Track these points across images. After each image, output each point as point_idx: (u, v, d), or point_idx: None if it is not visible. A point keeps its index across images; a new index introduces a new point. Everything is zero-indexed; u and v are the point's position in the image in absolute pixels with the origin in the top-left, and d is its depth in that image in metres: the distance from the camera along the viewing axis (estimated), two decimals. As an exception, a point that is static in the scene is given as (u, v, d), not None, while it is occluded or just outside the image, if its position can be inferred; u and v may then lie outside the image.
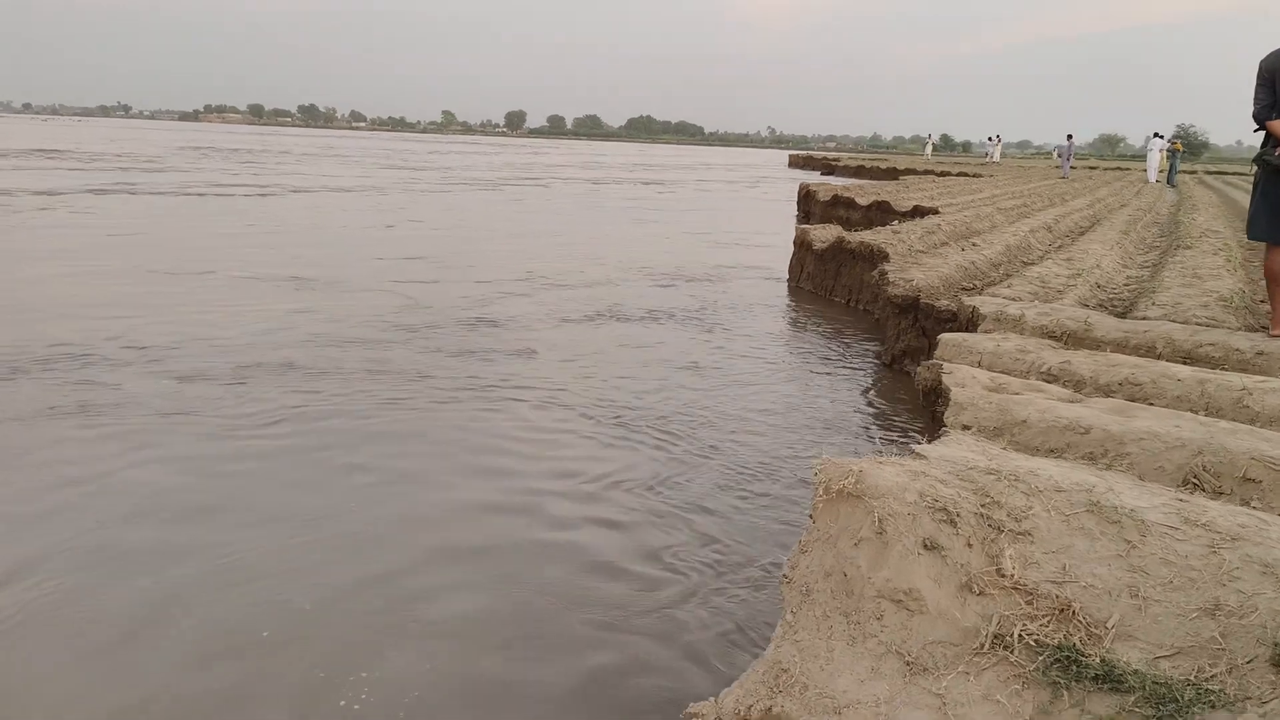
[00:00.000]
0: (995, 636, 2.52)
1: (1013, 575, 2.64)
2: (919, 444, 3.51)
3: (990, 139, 56.36)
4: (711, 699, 2.57)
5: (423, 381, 6.98)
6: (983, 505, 2.85)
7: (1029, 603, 2.58)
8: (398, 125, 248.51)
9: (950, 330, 7.48)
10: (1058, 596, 2.56)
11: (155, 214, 18.43)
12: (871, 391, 7.49)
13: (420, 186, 29.89)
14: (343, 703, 3.22)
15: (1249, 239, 5.52)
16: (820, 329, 9.88)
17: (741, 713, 2.49)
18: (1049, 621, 2.52)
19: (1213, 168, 57.57)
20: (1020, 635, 2.50)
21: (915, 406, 7.06)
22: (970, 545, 2.74)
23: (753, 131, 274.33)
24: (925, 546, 2.72)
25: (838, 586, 2.77)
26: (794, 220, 24.06)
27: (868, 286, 10.92)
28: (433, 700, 3.27)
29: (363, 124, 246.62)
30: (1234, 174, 52.58)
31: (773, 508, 4.98)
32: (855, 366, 8.31)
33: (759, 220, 23.97)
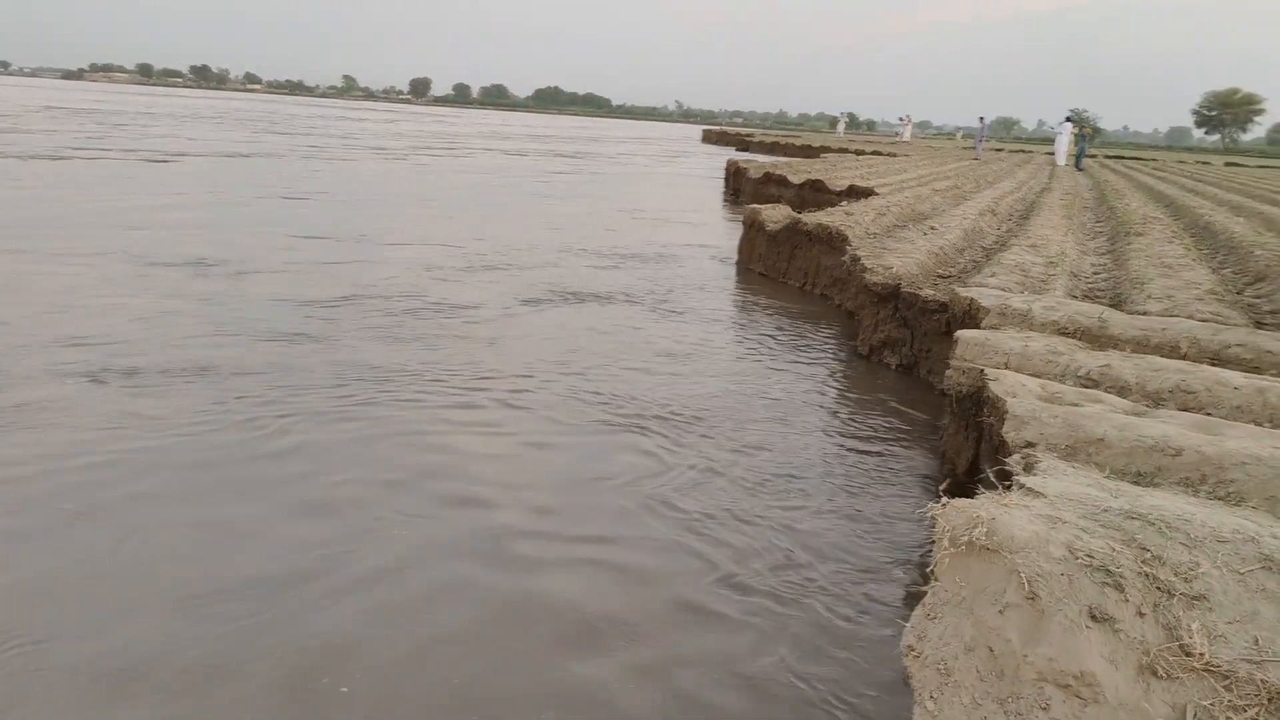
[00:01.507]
0: (1197, 734, 2.07)
1: (1202, 654, 2.18)
2: (1022, 475, 3.04)
3: (900, 119, 57.02)
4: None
5: (367, 380, 6.25)
6: (1142, 562, 2.39)
7: (1228, 689, 2.14)
8: (295, 89, 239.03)
9: (936, 322, 7.14)
10: (1263, 681, 2.12)
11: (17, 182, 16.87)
12: (854, 385, 7.07)
13: (325, 155, 28.43)
14: None
15: None
16: (781, 316, 9.43)
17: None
18: (1258, 714, 2.08)
19: (1110, 152, 59.36)
20: (1229, 733, 2.05)
21: (906, 401, 6.69)
22: (1142, 614, 2.28)
23: (660, 105, 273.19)
24: (1092, 617, 2.25)
25: (985, 666, 2.28)
26: (721, 197, 23.67)
27: (825, 270, 10.54)
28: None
29: (258, 86, 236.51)
30: (1130, 158, 54.37)
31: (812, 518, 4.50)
32: (828, 357, 7.89)
33: (687, 197, 23.46)
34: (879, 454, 5.65)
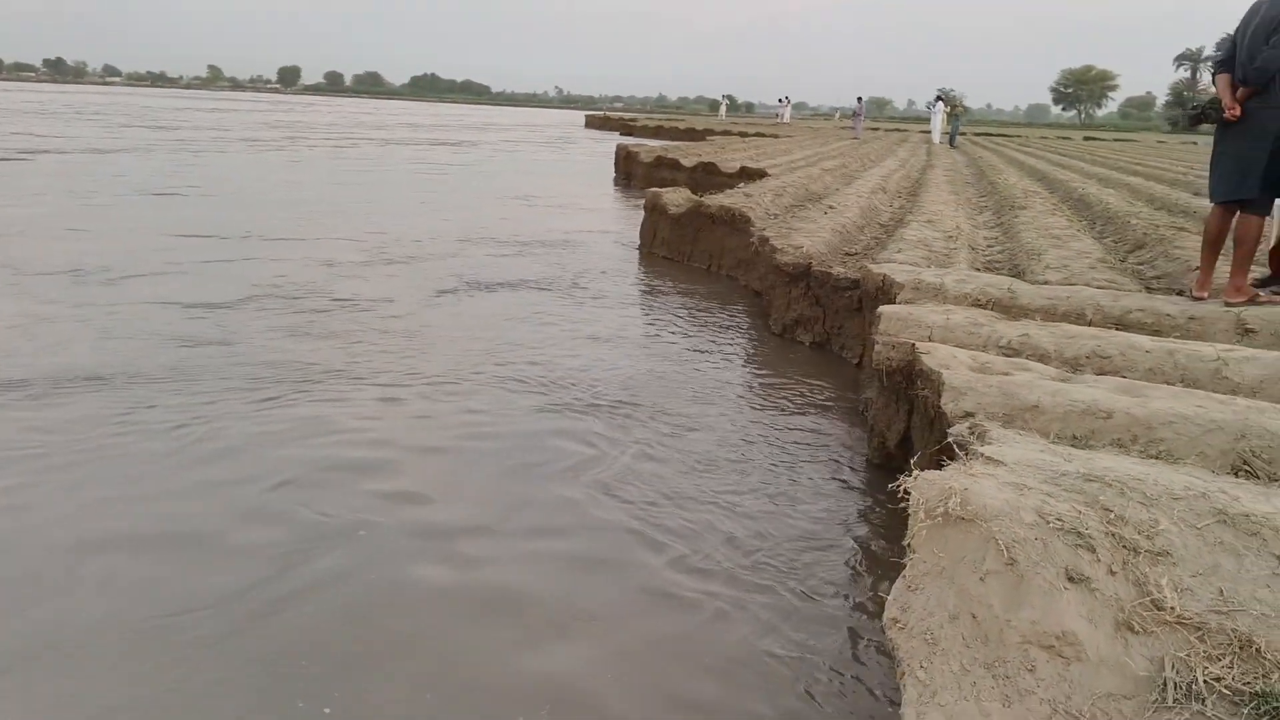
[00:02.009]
0: (1176, 685, 2.15)
1: (1173, 608, 2.28)
2: (977, 444, 3.12)
3: (780, 100, 57.84)
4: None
5: (285, 381, 6.01)
6: (1107, 522, 2.48)
7: (1201, 640, 2.23)
8: (158, 80, 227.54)
9: (848, 299, 7.28)
10: (1233, 630, 2.23)
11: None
12: (772, 363, 7.16)
13: (195, 149, 27.20)
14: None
15: (1213, 201, 5.43)
16: (691, 298, 9.48)
17: (908, 811, 2.00)
18: (1232, 662, 2.18)
19: (977, 130, 61.72)
20: (1206, 682, 2.15)
21: (823, 377, 6.80)
22: (1113, 573, 2.37)
23: (540, 91, 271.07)
24: (1069, 579, 2.33)
25: (970, 633, 2.33)
26: (613, 183, 23.65)
27: (730, 252, 10.64)
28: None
29: (118, 79, 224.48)
30: (997, 135, 56.67)
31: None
32: (743, 336, 7.97)
33: (578, 183, 23.34)
34: (805, 429, 5.73)
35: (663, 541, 4.12)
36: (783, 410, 6.08)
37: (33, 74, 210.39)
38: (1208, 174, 5.54)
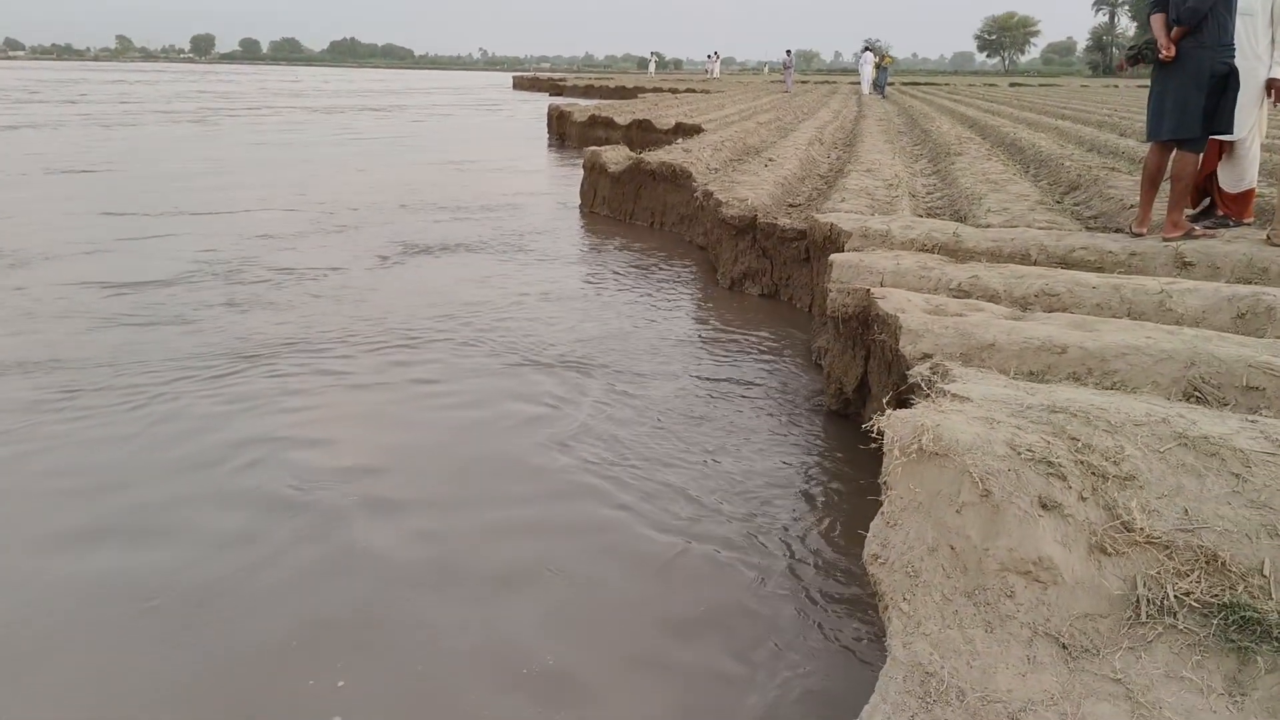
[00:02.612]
0: (1149, 601, 2.24)
1: (1142, 529, 2.36)
2: (942, 384, 3.17)
3: (710, 56, 57.71)
4: (855, 724, 2.11)
5: (237, 356, 5.87)
6: (1075, 450, 2.55)
7: (1169, 557, 2.31)
8: (64, 53, 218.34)
9: (795, 250, 7.33)
10: (1199, 547, 2.31)
11: None
12: (724, 316, 7.18)
13: (106, 122, 26.21)
14: None
15: (1150, 139, 5.52)
16: (636, 255, 9.45)
17: (900, 737, 2.05)
18: (1199, 577, 2.26)
19: (905, 79, 62.21)
20: (1177, 597, 2.23)
21: (775, 326, 6.85)
22: (1084, 499, 2.43)
23: (465, 54, 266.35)
24: (1043, 506, 2.39)
25: (950, 564, 2.38)
26: (546, 144, 23.39)
27: (672, 208, 10.62)
28: None
29: (21, 52, 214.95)
30: (925, 84, 57.21)
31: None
32: (693, 291, 7.98)
33: (511, 146, 23.05)
34: (760, 379, 5.77)
35: (622, 497, 4.13)
36: (737, 361, 6.12)
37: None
38: (1145, 114, 5.64)
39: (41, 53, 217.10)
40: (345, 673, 2.91)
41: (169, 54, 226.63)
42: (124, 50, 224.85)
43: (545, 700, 2.83)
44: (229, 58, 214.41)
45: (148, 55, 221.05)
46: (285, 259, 8.57)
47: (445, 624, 3.18)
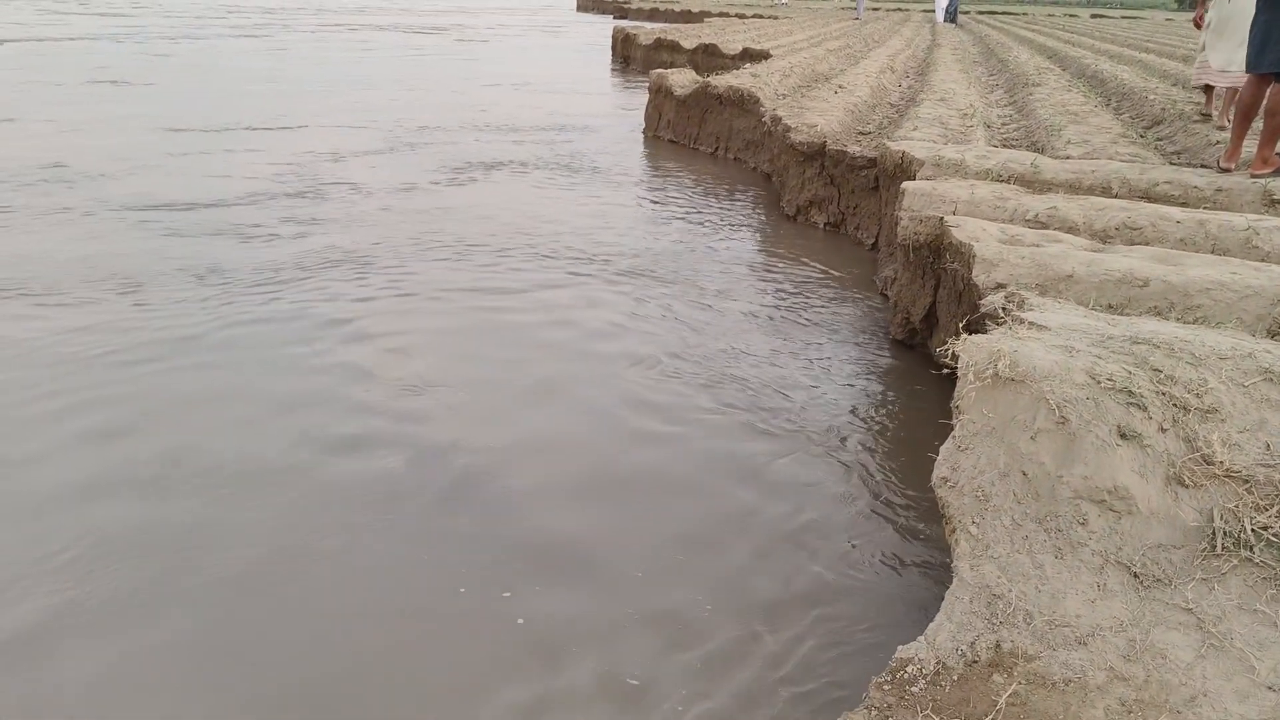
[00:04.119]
0: (1225, 534, 2.20)
1: (1221, 462, 2.31)
2: (1018, 312, 3.11)
3: (779, -21, 55.96)
4: (921, 639, 2.12)
5: (346, 262, 5.97)
6: (1157, 382, 2.50)
7: (1249, 491, 2.28)
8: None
9: (864, 178, 7.19)
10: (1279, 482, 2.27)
11: None
12: (787, 244, 7.10)
13: (139, 37, 26.33)
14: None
15: (1250, 71, 5.27)
16: (701, 180, 9.35)
17: (965, 653, 2.07)
18: (1279, 512, 2.22)
19: (981, 8, 59.92)
20: (1254, 530, 2.19)
21: (839, 256, 6.77)
22: (1164, 430, 2.39)
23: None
24: (1121, 435, 2.36)
25: (1021, 489, 2.37)
26: (610, 67, 23.05)
27: (738, 134, 10.45)
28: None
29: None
30: (1002, 13, 55.06)
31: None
32: (757, 218, 7.89)
33: (575, 68, 22.72)
34: (825, 308, 5.72)
35: (688, 412, 4.16)
36: (800, 287, 6.06)
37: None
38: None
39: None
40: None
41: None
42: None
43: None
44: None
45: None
46: (356, 175, 8.64)
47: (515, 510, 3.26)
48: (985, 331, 3.43)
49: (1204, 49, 6.96)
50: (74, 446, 3.69)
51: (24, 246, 6.12)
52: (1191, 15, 7.14)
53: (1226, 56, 6.60)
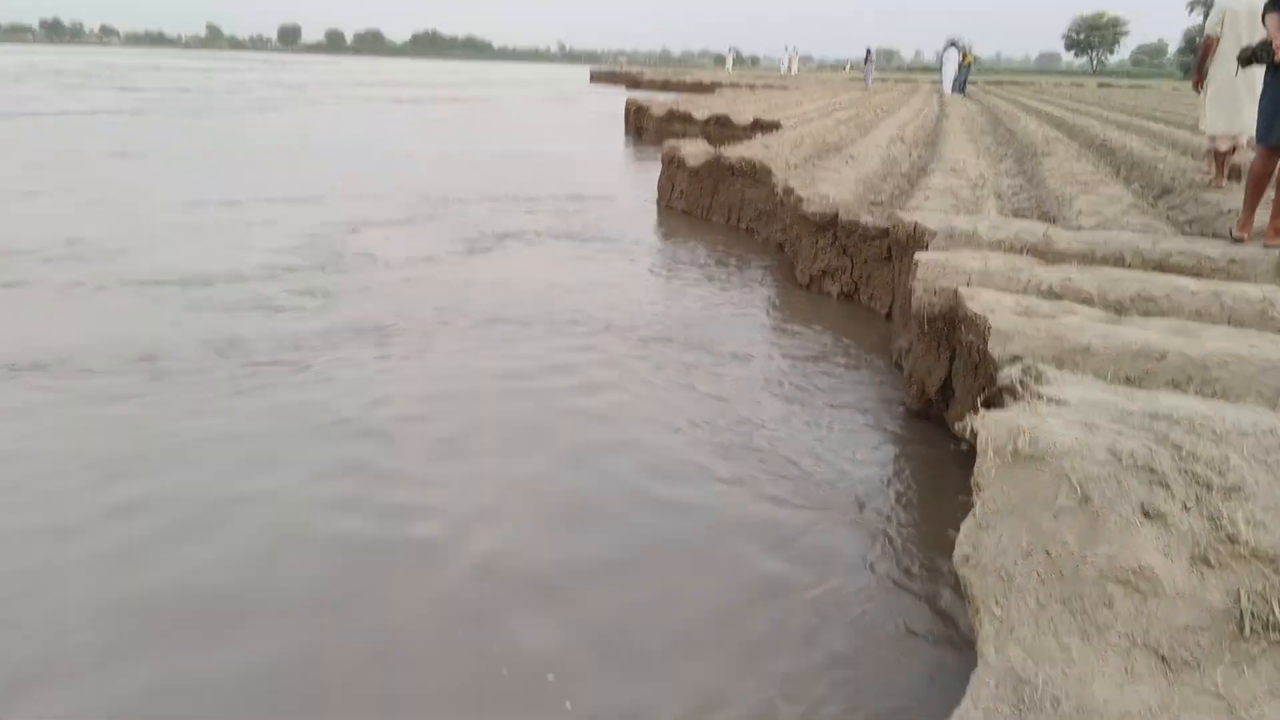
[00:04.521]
0: (1253, 616, 2.17)
1: (1247, 541, 2.29)
2: (1035, 386, 3.11)
3: (787, 49, 57.10)
4: (944, 727, 2.09)
5: (405, 331, 6.03)
6: (1178, 459, 2.48)
7: (1276, 572, 2.24)
8: (156, 40, 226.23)
9: (876, 248, 7.25)
10: (1308, 562, 2.24)
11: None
12: (802, 313, 7.13)
13: (160, 111, 27.00)
14: None
15: (1261, 144, 5.38)
16: (715, 250, 9.44)
17: (992, 741, 2.02)
18: (1309, 593, 2.19)
19: (988, 79, 60.92)
20: (1284, 612, 2.16)
21: (854, 326, 6.79)
22: (1187, 508, 2.37)
23: (543, 47, 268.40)
24: (1145, 514, 2.34)
25: (1045, 569, 2.34)
26: (623, 137, 23.46)
27: (750, 204, 10.57)
28: None
29: (115, 39, 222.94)
30: (1009, 84, 55.93)
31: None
32: (771, 288, 7.95)
33: (590, 138, 23.15)
34: (840, 377, 5.73)
35: (704, 486, 4.14)
36: (816, 357, 6.08)
37: (30, 35, 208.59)
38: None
39: (135, 39, 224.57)
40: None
41: (256, 43, 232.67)
42: (213, 39, 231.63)
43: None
44: (314, 48, 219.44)
45: (235, 44, 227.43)
46: (375, 247, 8.74)
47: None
48: (1003, 405, 3.43)
49: (1204, 112, 7.30)
50: (102, 518, 3.70)
51: (40, 322, 6.18)
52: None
53: (1226, 122, 6.91)
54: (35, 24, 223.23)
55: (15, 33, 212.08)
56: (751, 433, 4.75)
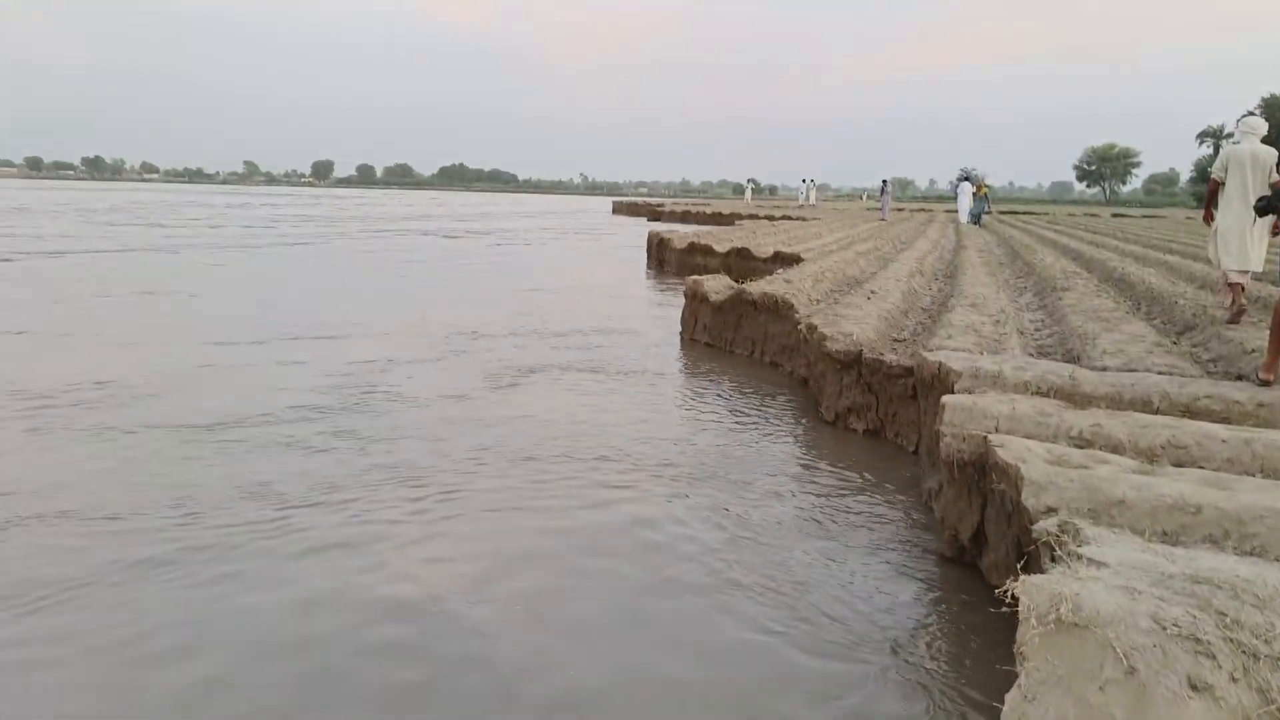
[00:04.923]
0: (1312, 797, 2.11)
1: (1300, 715, 2.24)
2: (1072, 544, 3.10)
3: (804, 181, 58.59)
4: None
5: (427, 476, 6.09)
6: (1223, 626, 2.45)
7: (1332, 748, 2.19)
8: (195, 176, 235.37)
9: (901, 386, 7.29)
10: (1366, 740, 2.18)
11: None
12: (828, 451, 7.14)
13: (191, 248, 27.87)
14: None
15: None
16: (738, 385, 9.53)
17: None
18: (1368, 772, 2.13)
19: (1003, 208, 62.10)
20: (1344, 794, 2.10)
21: (881, 465, 6.78)
22: (1235, 680, 2.33)
23: (566, 178, 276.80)
24: (1192, 687, 2.30)
25: (1094, 745, 2.29)
26: (645, 269, 23.95)
27: (773, 338, 10.71)
28: None
29: (155, 175, 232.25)
30: (1023, 213, 56.99)
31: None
32: (796, 424, 7.98)
33: (612, 271, 23.63)
34: (869, 520, 5.68)
35: (732, 634, 4.09)
36: (843, 497, 6.06)
37: (72, 172, 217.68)
38: None
39: (174, 176, 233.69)
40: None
41: (291, 178, 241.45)
42: (250, 174, 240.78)
43: None
44: (346, 182, 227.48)
45: (271, 179, 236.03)
46: (404, 385, 8.87)
47: None
48: (1040, 560, 3.41)
49: (1212, 247, 7.59)
50: (141, 669, 3.70)
51: (69, 466, 6.18)
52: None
53: (1235, 260, 7.43)
54: (78, 161, 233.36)
55: (59, 169, 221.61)
56: (783, 572, 4.74)
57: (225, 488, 5.77)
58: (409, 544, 5.02)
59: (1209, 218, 7.91)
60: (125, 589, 4.40)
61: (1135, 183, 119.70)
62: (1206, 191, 7.88)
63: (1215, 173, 7.48)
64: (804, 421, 8.08)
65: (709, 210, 51.86)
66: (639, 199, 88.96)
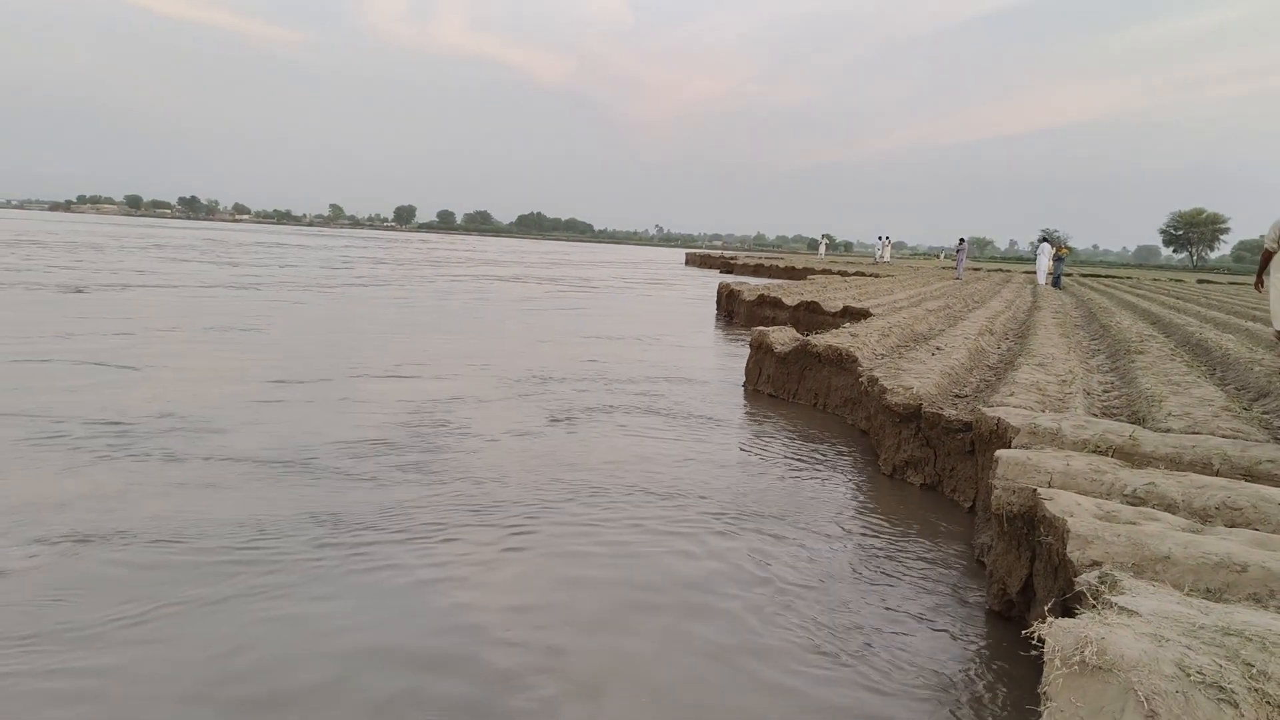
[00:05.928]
0: None
1: (1323, 767, 2.25)
2: (1109, 594, 3.13)
3: (880, 239, 58.42)
4: None
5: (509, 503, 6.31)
6: (1249, 677, 2.47)
7: (1354, 802, 2.20)
8: (283, 218, 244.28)
9: (959, 441, 7.28)
10: (1389, 794, 2.19)
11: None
12: (884, 504, 7.15)
13: (262, 286, 28.79)
14: None
15: None
16: (799, 436, 9.57)
17: None
18: (1390, 827, 2.13)
19: (1084, 271, 61.00)
20: (1365, 847, 2.10)
21: (936, 519, 6.77)
22: (1258, 729, 2.35)
23: (641, 229, 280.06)
24: (1214, 734, 2.32)
25: (1113, 786, 2.33)
26: (715, 320, 24.11)
27: (836, 390, 10.74)
28: None
29: (246, 216, 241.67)
30: (1106, 277, 55.88)
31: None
32: (854, 475, 8.00)
33: (683, 321, 23.85)
34: (921, 573, 5.70)
35: (784, 680, 4.15)
36: (897, 550, 6.07)
37: (168, 211, 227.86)
38: None
39: (264, 217, 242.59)
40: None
41: (374, 222, 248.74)
42: (335, 217, 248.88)
43: None
44: (427, 226, 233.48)
45: (355, 223, 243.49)
46: (473, 423, 9.12)
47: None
48: (1079, 610, 3.43)
49: (1274, 309, 7.57)
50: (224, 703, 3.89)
51: (148, 498, 6.32)
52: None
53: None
54: (174, 200, 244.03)
55: (156, 208, 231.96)
56: (835, 617, 4.81)
57: (300, 519, 6.00)
58: (482, 566, 5.25)
59: (1259, 284, 7.86)
60: (201, 622, 4.64)
61: (1224, 248, 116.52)
62: (1261, 259, 7.89)
63: (1267, 244, 7.52)
64: (863, 473, 8.10)
65: (782, 264, 52.00)
66: (712, 251, 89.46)
